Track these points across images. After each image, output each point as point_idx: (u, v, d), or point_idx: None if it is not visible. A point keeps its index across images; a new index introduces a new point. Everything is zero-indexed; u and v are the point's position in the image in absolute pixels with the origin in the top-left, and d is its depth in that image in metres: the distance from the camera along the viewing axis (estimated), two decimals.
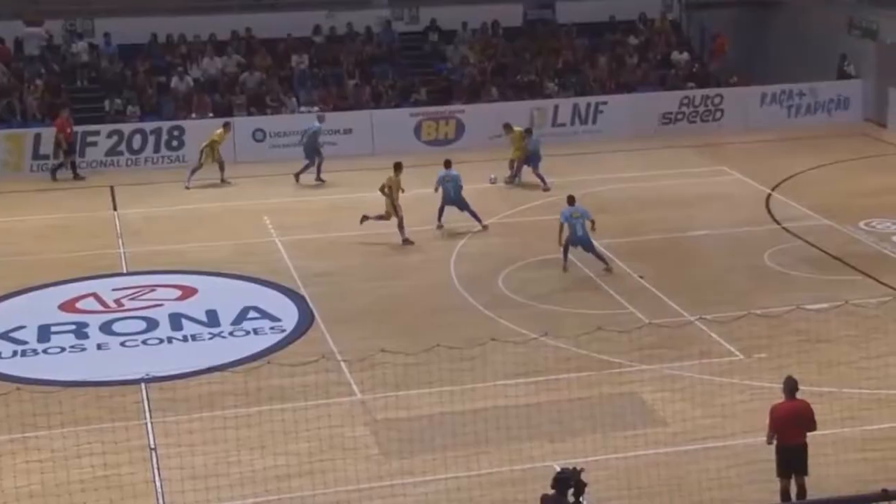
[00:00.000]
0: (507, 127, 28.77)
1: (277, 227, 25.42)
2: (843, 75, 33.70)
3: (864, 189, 26.59)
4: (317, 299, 21.31)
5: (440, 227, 24.88)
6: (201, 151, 28.45)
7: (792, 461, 14.02)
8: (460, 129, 31.43)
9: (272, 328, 20.20)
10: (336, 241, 24.66)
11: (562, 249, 22.31)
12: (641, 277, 22.01)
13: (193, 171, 28.41)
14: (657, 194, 27.12)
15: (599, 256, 22.33)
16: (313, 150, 28.92)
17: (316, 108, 31.81)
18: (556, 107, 32.20)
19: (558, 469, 12.98)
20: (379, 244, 24.41)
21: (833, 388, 17.26)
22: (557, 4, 35.53)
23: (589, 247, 22.28)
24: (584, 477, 12.28)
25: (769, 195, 26.91)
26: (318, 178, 29.03)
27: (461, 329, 19.77)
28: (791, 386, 14.15)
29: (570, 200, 22.78)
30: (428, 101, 32.48)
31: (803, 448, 14.03)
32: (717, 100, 32.80)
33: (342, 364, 18.22)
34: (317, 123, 29.32)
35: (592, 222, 22.49)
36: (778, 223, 25.03)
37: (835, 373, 17.73)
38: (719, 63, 35.63)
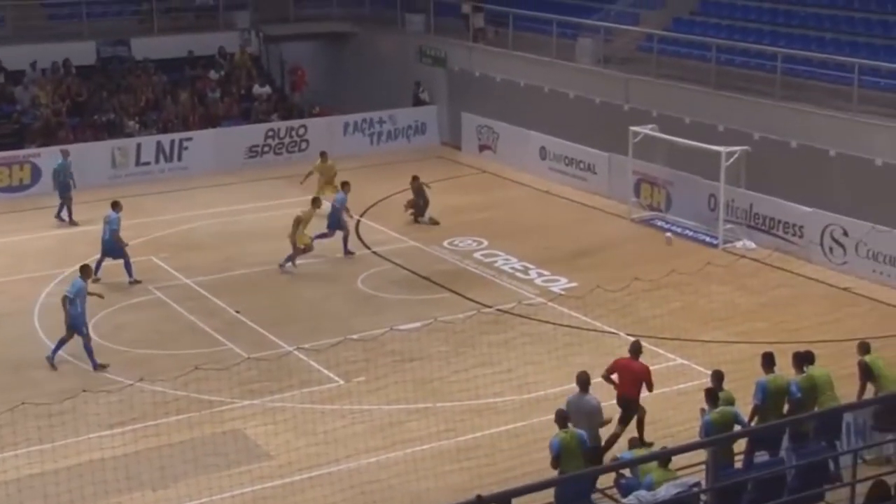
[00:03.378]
0: None
1: None
2: (418, 102, 35.17)
3: (446, 209, 27.78)
4: None
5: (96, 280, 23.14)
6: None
7: (626, 409, 15.89)
8: (36, 173, 29.81)
9: None
10: None
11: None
12: (238, 312, 21.78)
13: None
14: (247, 228, 27.01)
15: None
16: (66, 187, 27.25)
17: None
18: (139, 145, 31.30)
19: None
20: None
21: (428, 404, 17.85)
22: (133, 41, 34.66)
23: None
24: None
25: (358, 221, 27.50)
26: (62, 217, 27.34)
27: (50, 383, 18.72)
28: (635, 348, 16.29)
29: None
30: None
31: (635, 402, 16.02)
32: (301, 131, 33.20)
33: None
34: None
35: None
36: (368, 248, 25.62)
37: (429, 388, 18.32)
38: (301, 94, 36.17)
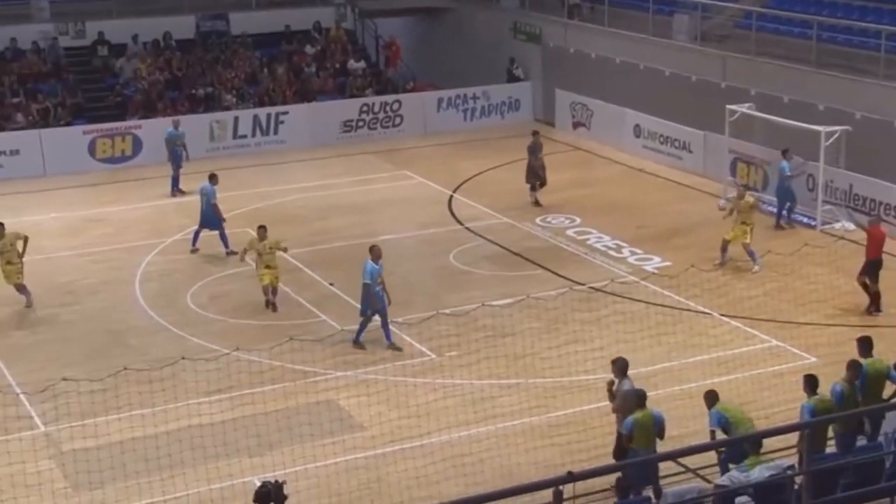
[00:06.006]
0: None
1: None
2: (512, 78, 35.09)
3: None
4: None
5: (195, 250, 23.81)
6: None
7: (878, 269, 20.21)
8: (137, 144, 30.46)
9: None
10: None
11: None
12: (332, 285, 22.03)
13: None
14: (342, 202, 27.27)
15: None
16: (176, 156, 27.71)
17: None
18: (237, 118, 31.77)
19: (258, 483, 12.75)
20: (56, 269, 23.25)
21: (520, 380, 17.90)
22: (231, 15, 35.08)
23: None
24: (284, 489, 12.14)
25: (451, 197, 27.61)
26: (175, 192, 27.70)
27: (150, 350, 19.14)
28: (877, 218, 21.42)
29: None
30: (101, 117, 31.27)
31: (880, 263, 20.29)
32: (395, 106, 33.36)
33: (21, 396, 17.20)
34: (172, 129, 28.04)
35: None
36: (461, 224, 25.71)
37: (521, 364, 18.36)
38: (396, 69, 36.33)
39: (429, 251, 24.07)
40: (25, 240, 21.14)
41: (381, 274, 19.26)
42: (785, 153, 24.70)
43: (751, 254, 22.36)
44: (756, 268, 22.20)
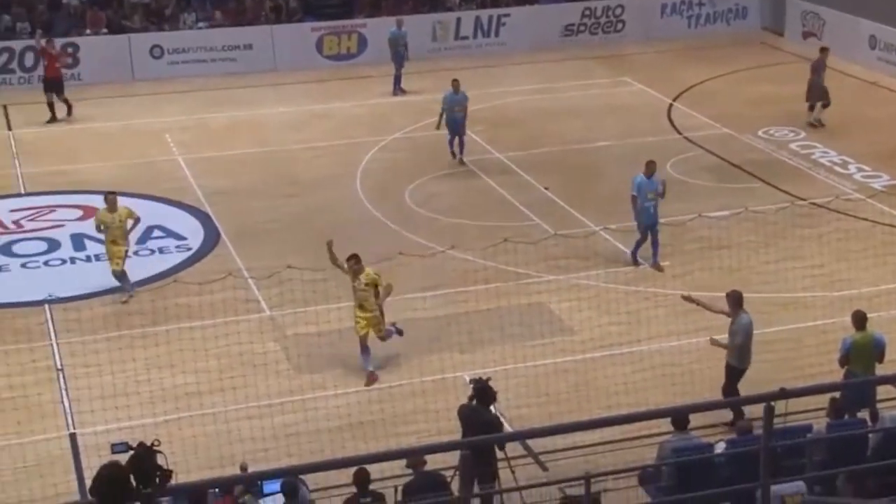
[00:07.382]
0: None
1: (179, 146, 25.00)
2: None
3: (763, 97, 26.96)
4: (222, 217, 21.08)
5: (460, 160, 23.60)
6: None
7: None
8: (362, 43, 31.08)
9: (178, 247, 19.97)
10: (239, 158, 24.36)
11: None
12: (547, 189, 22.15)
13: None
14: (560, 106, 27.20)
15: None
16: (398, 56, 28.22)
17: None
18: (459, 20, 31.97)
19: (468, 379, 13.12)
20: (282, 161, 24.18)
21: None
22: None
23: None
24: (493, 385, 12.48)
25: (671, 105, 27.16)
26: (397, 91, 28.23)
27: (368, 244, 19.52)
28: None
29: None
30: (329, 15, 32.02)
31: None
32: (618, 11, 32.85)
33: (250, 281, 18.13)
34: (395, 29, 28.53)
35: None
36: (679, 133, 25.31)
37: (736, 277, 18.06)
38: None
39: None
40: (136, 220, 18.43)
41: (656, 189, 18.65)
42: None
43: None
44: None
